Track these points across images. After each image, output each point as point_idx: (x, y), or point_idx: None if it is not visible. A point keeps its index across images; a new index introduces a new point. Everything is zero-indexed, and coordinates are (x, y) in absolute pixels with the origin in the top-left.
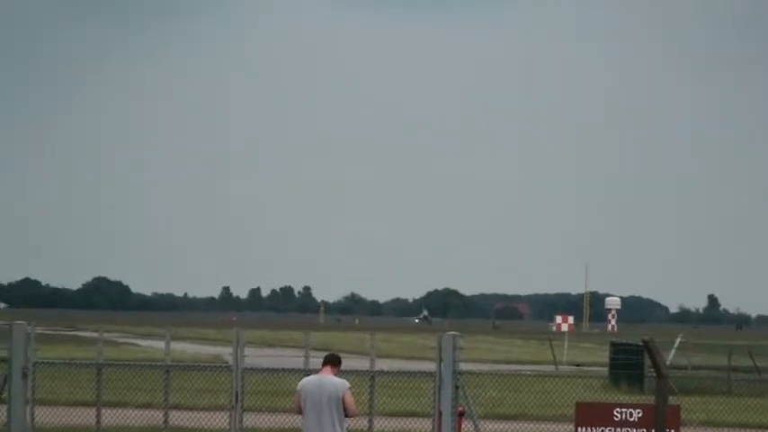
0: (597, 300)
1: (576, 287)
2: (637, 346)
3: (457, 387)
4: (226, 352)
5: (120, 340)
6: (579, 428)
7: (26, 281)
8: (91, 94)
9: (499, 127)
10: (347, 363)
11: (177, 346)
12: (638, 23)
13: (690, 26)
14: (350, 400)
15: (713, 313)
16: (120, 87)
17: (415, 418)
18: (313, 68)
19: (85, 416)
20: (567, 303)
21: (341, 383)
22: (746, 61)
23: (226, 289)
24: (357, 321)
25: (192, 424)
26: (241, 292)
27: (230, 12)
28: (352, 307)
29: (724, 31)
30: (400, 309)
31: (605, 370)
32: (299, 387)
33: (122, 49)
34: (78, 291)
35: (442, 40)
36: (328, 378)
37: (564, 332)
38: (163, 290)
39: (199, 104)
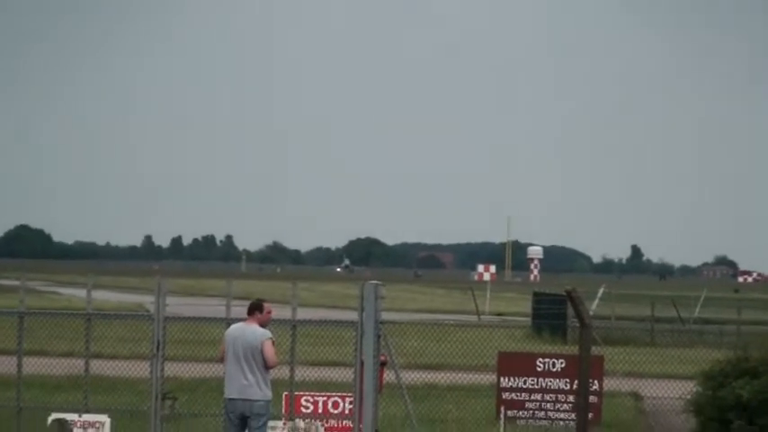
0: (520, 249)
1: (498, 236)
2: (559, 296)
3: (379, 336)
4: (147, 301)
5: (43, 289)
6: (502, 378)
7: None
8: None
9: (421, 76)
10: None
11: (99, 295)
12: None
13: None
14: (269, 350)
15: (636, 263)
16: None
17: (337, 368)
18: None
19: (7, 364)
20: (489, 253)
21: (261, 333)
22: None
23: (147, 237)
24: (279, 270)
25: (114, 372)
26: (163, 240)
27: None
28: (274, 256)
29: None
30: (322, 258)
31: (528, 320)
32: (225, 334)
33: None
34: (0, 239)
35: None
36: (251, 327)
37: (486, 281)
38: (85, 238)
39: (127, 48)
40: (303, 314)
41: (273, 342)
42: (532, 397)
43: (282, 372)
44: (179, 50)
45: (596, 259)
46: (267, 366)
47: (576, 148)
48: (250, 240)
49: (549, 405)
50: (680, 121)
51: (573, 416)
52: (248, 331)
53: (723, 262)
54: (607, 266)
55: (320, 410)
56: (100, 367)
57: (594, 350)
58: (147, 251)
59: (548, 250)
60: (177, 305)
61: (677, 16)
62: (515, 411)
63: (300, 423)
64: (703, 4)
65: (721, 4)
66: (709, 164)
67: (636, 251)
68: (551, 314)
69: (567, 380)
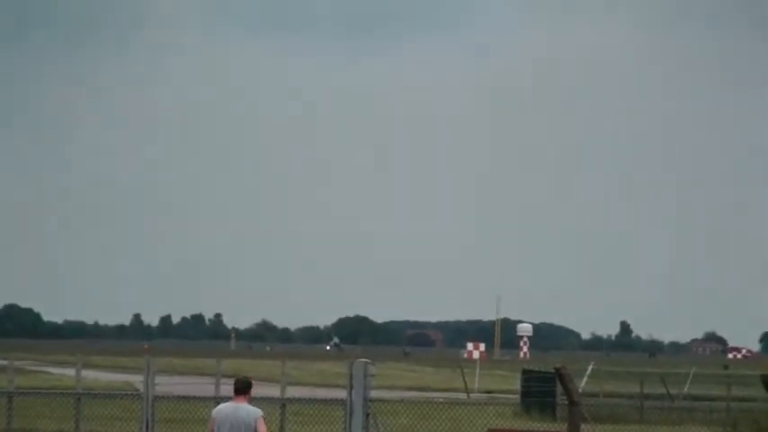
0: (509, 326)
1: (487, 314)
2: (549, 374)
3: (368, 414)
4: (137, 380)
5: (32, 368)
6: None
7: None
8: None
9: (403, 151)
10: (258, 390)
11: (89, 374)
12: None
13: None
14: (262, 428)
15: (625, 340)
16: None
17: None
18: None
19: None
20: (478, 330)
21: (254, 412)
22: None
23: (136, 316)
24: (268, 348)
25: None
26: (152, 319)
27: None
28: (264, 334)
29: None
30: (311, 336)
31: (517, 397)
32: (213, 414)
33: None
34: None
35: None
36: (242, 405)
37: (475, 359)
38: (74, 317)
39: (112, 126)
40: (292, 392)
41: (265, 419)
42: None
43: None
44: (162, 128)
45: (585, 336)
46: None
47: (564, 223)
48: (239, 319)
49: None
50: (668, 196)
51: None
52: (241, 410)
53: (712, 338)
54: (596, 343)
55: None
56: None
57: (584, 427)
58: (136, 330)
59: (537, 327)
60: (166, 384)
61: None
62: None
63: None
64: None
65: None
66: (699, 240)
67: (625, 328)
68: (541, 392)
69: None
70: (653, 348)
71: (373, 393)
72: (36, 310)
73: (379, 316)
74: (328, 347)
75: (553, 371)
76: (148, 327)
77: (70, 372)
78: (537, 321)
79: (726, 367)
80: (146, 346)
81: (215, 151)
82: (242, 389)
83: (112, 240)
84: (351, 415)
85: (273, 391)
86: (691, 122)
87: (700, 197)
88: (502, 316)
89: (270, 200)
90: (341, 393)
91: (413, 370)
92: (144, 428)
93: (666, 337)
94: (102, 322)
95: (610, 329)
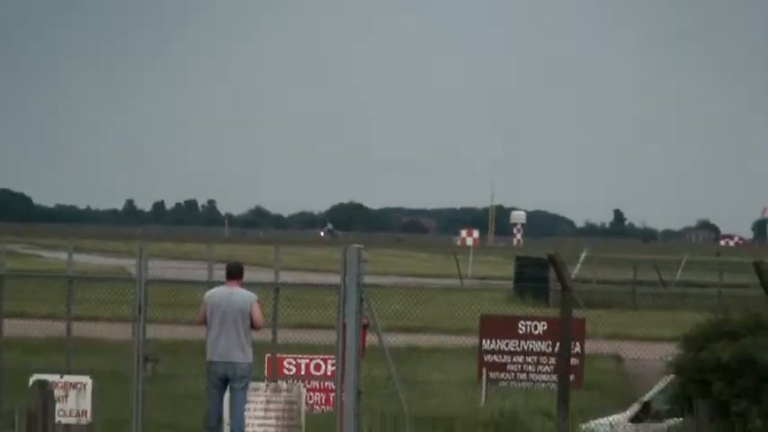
0: (503, 214)
1: (481, 201)
2: (542, 260)
3: (361, 299)
4: (129, 264)
5: (24, 251)
6: (484, 341)
7: None
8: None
9: (399, 45)
10: (251, 275)
11: (81, 259)
12: None
13: None
14: (257, 312)
15: (619, 228)
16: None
17: (320, 330)
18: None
19: None
20: (472, 218)
21: (249, 296)
22: None
23: (129, 201)
24: (262, 234)
25: (95, 335)
26: (145, 204)
27: None
28: (257, 220)
29: None
30: (305, 222)
31: (510, 283)
32: (205, 298)
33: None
34: None
35: None
36: (236, 290)
37: (469, 246)
38: (66, 202)
39: (116, 20)
40: (285, 277)
41: (260, 304)
42: (514, 359)
43: (265, 334)
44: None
45: (579, 224)
46: (256, 327)
47: (557, 111)
48: (233, 205)
49: (530, 367)
50: (661, 86)
51: (554, 378)
52: (235, 294)
53: (705, 226)
54: (590, 231)
55: (303, 372)
56: (81, 330)
57: (576, 313)
58: (129, 215)
59: (531, 215)
60: (159, 268)
61: None
62: (497, 374)
63: (283, 385)
64: None
65: None
66: (692, 129)
67: (618, 216)
68: (534, 277)
69: (549, 342)
70: (646, 236)
71: (367, 279)
72: (27, 194)
73: (373, 203)
74: (322, 233)
75: (546, 258)
76: (141, 212)
77: (62, 256)
78: (531, 209)
79: (718, 254)
80: (138, 231)
81: (214, 40)
82: (234, 273)
83: (106, 124)
84: (344, 300)
85: (266, 275)
86: None
87: (697, 87)
88: (496, 203)
89: (266, 84)
90: (334, 279)
91: (407, 256)
92: (136, 311)
93: (660, 224)
94: (94, 207)
95: (603, 217)
